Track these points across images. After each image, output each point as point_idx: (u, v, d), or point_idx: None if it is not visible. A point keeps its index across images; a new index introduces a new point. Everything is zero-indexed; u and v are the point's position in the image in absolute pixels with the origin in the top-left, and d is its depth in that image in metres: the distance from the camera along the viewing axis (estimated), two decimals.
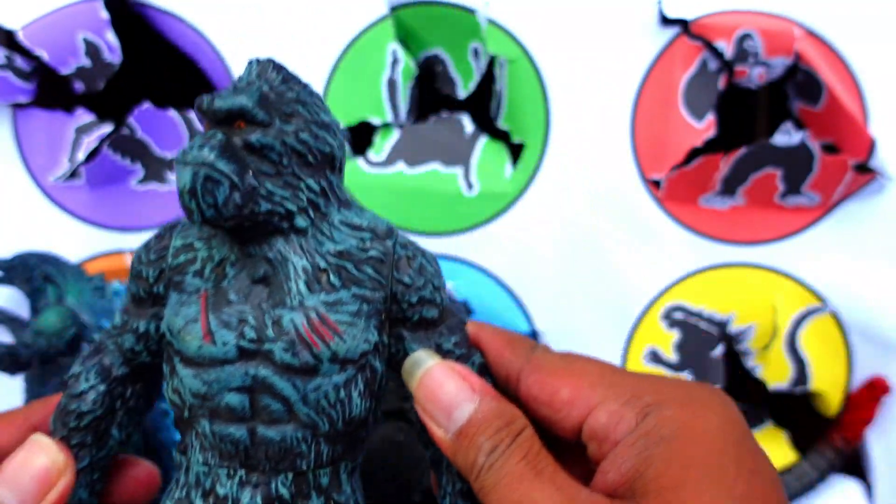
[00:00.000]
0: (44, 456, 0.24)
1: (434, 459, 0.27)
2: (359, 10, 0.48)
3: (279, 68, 0.25)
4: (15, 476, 0.23)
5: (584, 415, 0.24)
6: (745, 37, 0.47)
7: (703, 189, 0.49)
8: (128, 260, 0.49)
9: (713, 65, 0.48)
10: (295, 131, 0.24)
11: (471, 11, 0.48)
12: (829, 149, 0.48)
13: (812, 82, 0.48)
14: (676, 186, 0.49)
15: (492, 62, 0.49)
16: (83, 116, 0.48)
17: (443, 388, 0.24)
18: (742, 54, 0.47)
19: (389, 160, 0.49)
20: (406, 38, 0.49)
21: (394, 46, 0.48)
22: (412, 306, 0.25)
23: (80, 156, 0.47)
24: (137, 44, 0.49)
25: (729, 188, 0.48)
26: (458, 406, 0.24)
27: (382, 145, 0.49)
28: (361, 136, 0.49)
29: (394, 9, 0.48)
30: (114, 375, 0.26)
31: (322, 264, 0.24)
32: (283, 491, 0.24)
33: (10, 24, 0.46)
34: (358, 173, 0.49)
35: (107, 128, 0.48)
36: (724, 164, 0.47)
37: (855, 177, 0.47)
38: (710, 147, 0.48)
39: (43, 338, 0.42)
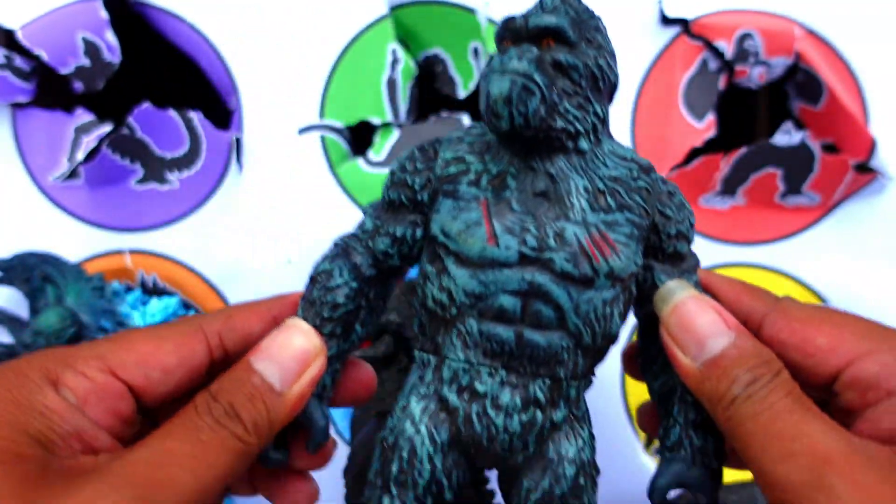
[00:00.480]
0: (303, 337, 0.25)
1: (662, 392, 0.28)
2: (359, 10, 0.48)
3: None
4: (277, 353, 0.25)
5: (844, 363, 0.25)
6: (746, 37, 0.47)
7: (703, 189, 0.49)
8: (127, 260, 0.49)
9: (713, 65, 0.48)
10: (595, 56, 0.26)
11: (471, 11, 0.48)
12: (830, 149, 0.48)
13: (812, 82, 0.48)
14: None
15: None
16: (83, 116, 0.48)
17: (698, 318, 0.25)
18: (742, 54, 0.47)
19: (389, 160, 0.49)
20: (406, 38, 0.49)
21: (394, 46, 0.48)
22: (670, 238, 0.27)
23: (80, 156, 0.47)
24: (137, 43, 0.49)
25: (729, 188, 0.48)
26: (712, 337, 0.24)
27: (382, 145, 0.49)
28: (361, 136, 0.49)
29: (394, 9, 0.48)
30: (364, 275, 0.27)
31: (600, 186, 0.25)
32: (540, 395, 0.25)
33: (9, 24, 0.46)
34: (358, 173, 0.49)
35: (106, 128, 0.48)
36: (724, 164, 0.47)
37: (855, 177, 0.47)
38: (710, 147, 0.48)
39: (42, 337, 0.42)
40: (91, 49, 0.47)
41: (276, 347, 0.25)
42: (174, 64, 0.50)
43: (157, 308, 0.47)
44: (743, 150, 0.47)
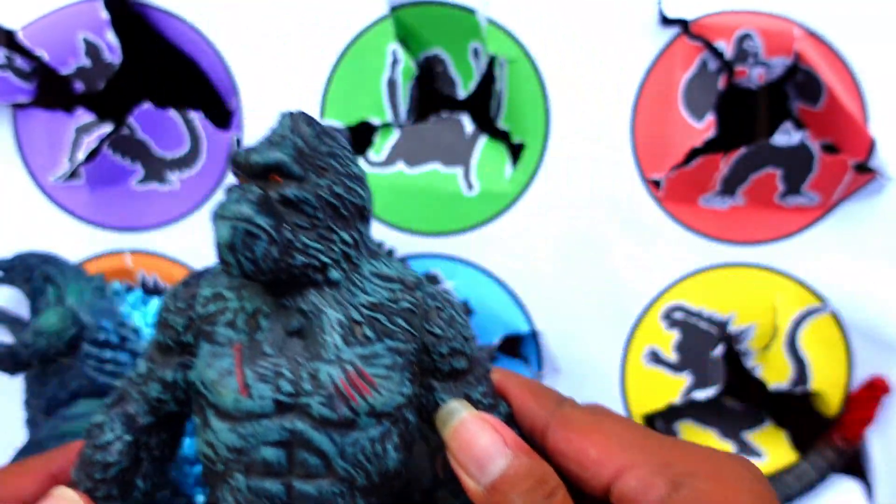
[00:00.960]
0: None
1: None
2: (359, 10, 0.48)
3: (311, 121, 0.25)
4: None
5: (613, 476, 0.24)
6: (745, 37, 0.47)
7: (703, 189, 0.49)
8: (128, 260, 0.49)
9: (713, 65, 0.48)
10: (329, 185, 0.24)
11: (471, 11, 0.48)
12: (829, 149, 0.48)
13: (812, 82, 0.48)
14: (676, 186, 0.49)
15: (492, 62, 0.49)
16: (83, 116, 0.48)
17: (476, 440, 0.24)
18: (742, 54, 0.47)
19: (389, 160, 0.49)
20: (406, 38, 0.49)
21: (394, 46, 0.48)
22: (443, 357, 0.26)
23: (80, 156, 0.47)
24: (137, 44, 0.49)
25: (729, 188, 0.48)
26: (491, 459, 0.24)
27: (382, 145, 0.49)
28: (361, 136, 0.49)
29: (394, 9, 0.48)
30: (139, 425, 0.26)
31: (356, 317, 0.24)
32: None
33: (10, 24, 0.46)
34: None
35: (107, 128, 0.48)
36: (724, 164, 0.47)
37: (855, 177, 0.47)
38: (710, 147, 0.48)
39: (43, 338, 0.42)
40: (92, 49, 0.47)
41: None
42: (175, 64, 0.50)
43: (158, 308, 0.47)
44: (742, 150, 0.47)
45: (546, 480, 0.24)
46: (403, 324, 0.25)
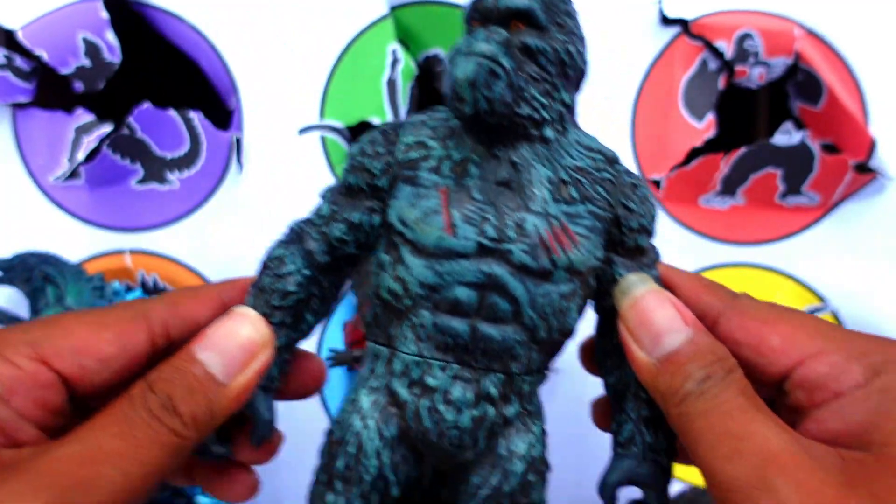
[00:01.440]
0: (250, 326, 0.24)
1: (617, 387, 0.28)
2: (359, 10, 0.48)
3: None
4: (221, 342, 0.24)
5: (795, 363, 0.25)
6: (745, 37, 0.47)
7: (703, 189, 0.49)
8: (127, 260, 0.49)
9: (713, 65, 0.48)
10: (564, 41, 0.25)
11: None
12: (829, 149, 0.48)
13: (812, 82, 0.48)
14: (676, 186, 0.49)
15: None
16: (83, 116, 0.48)
17: (656, 313, 0.24)
18: (742, 54, 0.47)
19: None
20: (406, 38, 0.49)
21: (394, 46, 0.48)
22: (632, 231, 0.26)
23: (80, 156, 0.47)
24: (137, 44, 0.49)
25: (729, 188, 0.48)
26: (669, 333, 0.24)
27: None
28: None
29: (394, 9, 0.48)
30: (317, 262, 0.26)
31: (564, 176, 0.25)
32: (492, 391, 0.25)
33: (9, 24, 0.46)
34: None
35: (106, 128, 0.48)
36: (724, 164, 0.47)
37: (855, 176, 0.47)
38: (710, 147, 0.48)
39: None
40: (91, 49, 0.47)
41: (221, 336, 0.24)
42: (174, 64, 0.50)
43: None
44: (743, 150, 0.47)
45: (725, 357, 0.24)
46: (603, 192, 0.26)
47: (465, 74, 0.23)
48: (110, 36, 0.47)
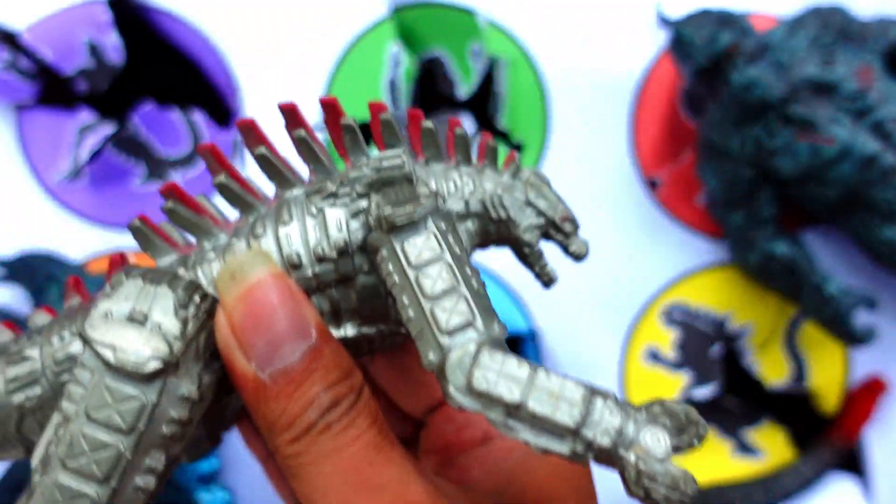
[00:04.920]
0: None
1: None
2: (359, 11, 0.48)
3: None
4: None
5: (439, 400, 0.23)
6: None
7: (701, 188, 0.49)
8: (130, 259, 0.49)
9: None
10: None
11: (471, 12, 0.48)
12: None
13: None
14: (676, 186, 0.49)
15: (492, 62, 0.49)
16: (86, 117, 0.48)
17: (280, 310, 0.19)
18: None
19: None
20: (406, 38, 0.49)
21: (395, 47, 0.48)
22: None
23: (84, 156, 0.48)
24: (140, 45, 0.49)
25: None
26: (293, 339, 0.19)
27: None
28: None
29: (394, 10, 0.48)
30: None
31: None
32: None
33: (13, 25, 0.46)
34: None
35: (109, 128, 0.48)
36: None
37: None
38: None
39: None
40: (94, 50, 0.47)
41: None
42: (177, 65, 0.50)
43: None
44: None
45: (352, 374, 0.19)
46: None
47: None
48: (113, 37, 0.47)
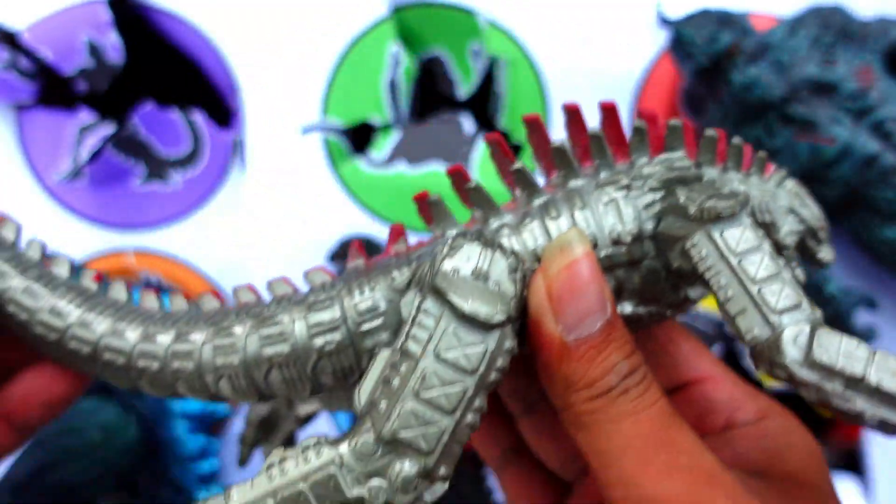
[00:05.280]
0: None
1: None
2: (359, 11, 0.48)
3: None
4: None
5: (694, 379, 0.24)
6: None
7: None
8: (131, 259, 0.49)
9: None
10: None
11: (471, 12, 0.48)
12: None
13: None
14: None
15: (492, 62, 0.49)
16: (86, 116, 0.48)
17: (589, 286, 0.21)
18: None
19: (390, 160, 0.49)
20: (406, 38, 0.49)
21: (395, 47, 0.48)
22: None
23: (84, 156, 0.48)
24: (140, 45, 0.49)
25: None
26: (595, 312, 0.21)
27: (383, 145, 0.49)
28: (362, 136, 0.50)
29: (394, 10, 0.48)
30: None
31: None
32: None
33: (13, 25, 0.46)
34: (359, 173, 0.49)
35: (109, 128, 0.48)
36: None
37: None
38: None
39: None
40: (94, 50, 0.47)
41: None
42: (177, 65, 0.50)
43: None
44: None
45: (637, 353, 0.21)
46: None
47: None
48: (113, 37, 0.47)
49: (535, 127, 0.25)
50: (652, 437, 0.20)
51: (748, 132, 0.43)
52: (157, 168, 0.49)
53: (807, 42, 0.42)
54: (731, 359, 0.51)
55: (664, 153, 0.26)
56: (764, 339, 0.21)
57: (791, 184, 0.28)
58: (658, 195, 0.24)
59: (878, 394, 0.20)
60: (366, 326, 0.23)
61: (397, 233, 0.25)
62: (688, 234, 0.22)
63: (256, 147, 0.49)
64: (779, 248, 0.26)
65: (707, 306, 0.50)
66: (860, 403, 0.20)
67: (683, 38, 0.44)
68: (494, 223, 0.25)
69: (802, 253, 0.28)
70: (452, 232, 0.25)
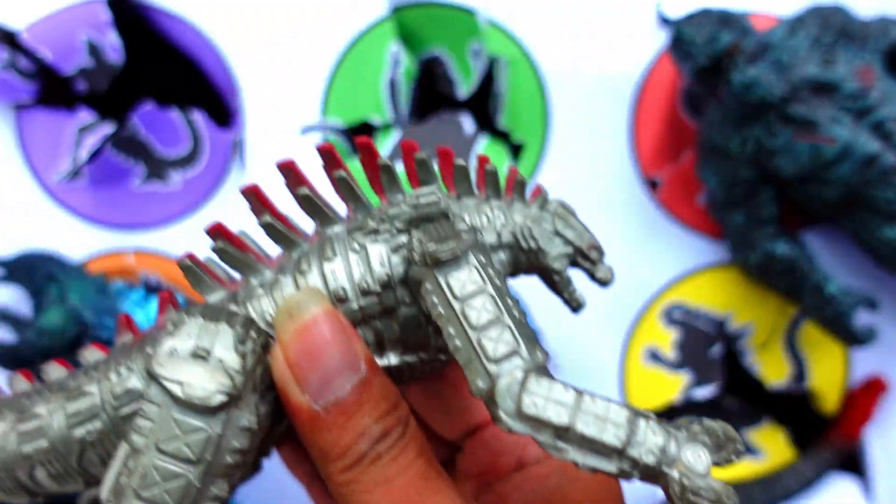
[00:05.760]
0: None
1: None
2: (359, 11, 0.48)
3: None
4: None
5: (483, 422, 0.24)
6: None
7: (701, 188, 0.49)
8: (130, 259, 0.49)
9: None
10: None
11: (471, 12, 0.48)
12: None
13: None
14: (675, 186, 0.49)
15: (492, 62, 0.49)
16: (86, 116, 0.48)
17: (330, 347, 0.20)
18: None
19: (390, 160, 0.49)
20: (406, 38, 0.49)
21: (394, 47, 0.48)
22: None
23: (83, 155, 0.48)
24: (140, 44, 0.49)
25: None
26: (340, 374, 0.19)
27: (383, 145, 0.49)
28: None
29: (394, 9, 0.48)
30: None
31: None
32: None
33: (13, 25, 0.46)
34: (359, 173, 0.49)
35: (109, 128, 0.48)
36: None
37: None
38: None
39: (46, 336, 0.43)
40: (94, 50, 0.47)
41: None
42: (176, 64, 0.50)
43: None
44: None
45: (398, 406, 0.20)
46: None
47: None
48: (113, 36, 0.47)
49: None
50: (402, 502, 0.19)
51: (748, 132, 0.43)
52: (157, 168, 0.49)
53: (807, 42, 0.42)
54: (731, 359, 0.51)
55: (417, 189, 0.24)
56: (485, 390, 0.19)
57: (555, 206, 0.27)
58: (404, 238, 0.22)
59: (585, 442, 0.19)
60: (125, 410, 0.21)
61: (164, 300, 0.23)
62: (423, 279, 0.21)
63: (256, 147, 0.49)
64: (550, 273, 0.26)
65: (707, 306, 0.50)
66: (572, 454, 0.19)
67: (683, 38, 0.44)
68: (254, 281, 0.23)
69: (588, 273, 0.27)
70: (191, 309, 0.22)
